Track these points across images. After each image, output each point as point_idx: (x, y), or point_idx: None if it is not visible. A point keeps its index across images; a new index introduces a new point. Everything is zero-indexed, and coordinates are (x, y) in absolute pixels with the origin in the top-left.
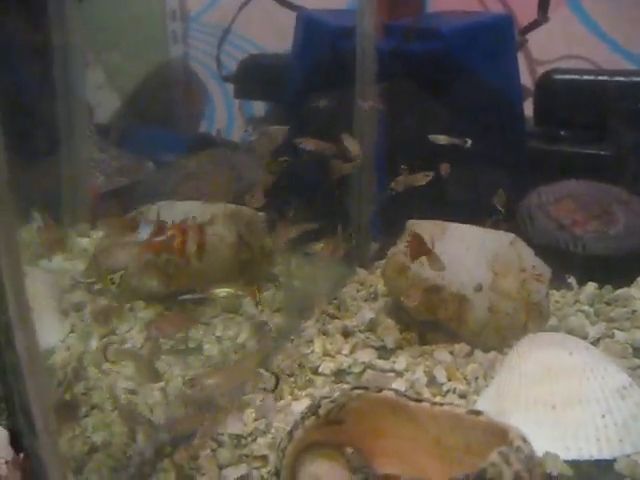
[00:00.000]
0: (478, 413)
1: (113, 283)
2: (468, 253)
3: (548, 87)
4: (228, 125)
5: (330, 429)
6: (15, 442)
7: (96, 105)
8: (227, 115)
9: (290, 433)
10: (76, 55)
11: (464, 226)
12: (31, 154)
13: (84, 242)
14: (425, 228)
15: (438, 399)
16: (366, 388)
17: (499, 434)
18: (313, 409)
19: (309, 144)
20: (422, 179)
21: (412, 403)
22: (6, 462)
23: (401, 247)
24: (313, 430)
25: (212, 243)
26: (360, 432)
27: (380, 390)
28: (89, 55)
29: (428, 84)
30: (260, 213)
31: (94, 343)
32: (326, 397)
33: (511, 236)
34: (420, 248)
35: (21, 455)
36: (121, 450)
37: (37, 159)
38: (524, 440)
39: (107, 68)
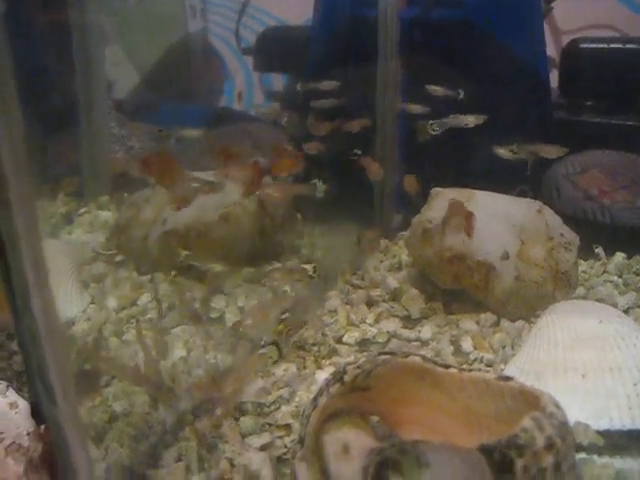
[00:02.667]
0: (508, 379)
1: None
2: (494, 221)
3: (574, 56)
4: (248, 99)
5: (356, 396)
6: (37, 414)
7: (115, 81)
8: (246, 89)
9: (314, 400)
10: (95, 32)
11: (490, 194)
12: (51, 129)
13: (104, 215)
14: (450, 196)
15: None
16: (393, 354)
17: (530, 401)
18: (338, 375)
19: None
20: (556, 152)
21: (440, 369)
22: (28, 433)
23: (426, 215)
24: (338, 397)
25: (234, 212)
26: (386, 399)
27: (407, 356)
28: (108, 31)
29: (451, 53)
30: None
31: (114, 313)
32: (352, 363)
33: (538, 204)
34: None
35: (42, 427)
36: (142, 419)
37: (57, 134)
38: (557, 406)
39: (126, 44)
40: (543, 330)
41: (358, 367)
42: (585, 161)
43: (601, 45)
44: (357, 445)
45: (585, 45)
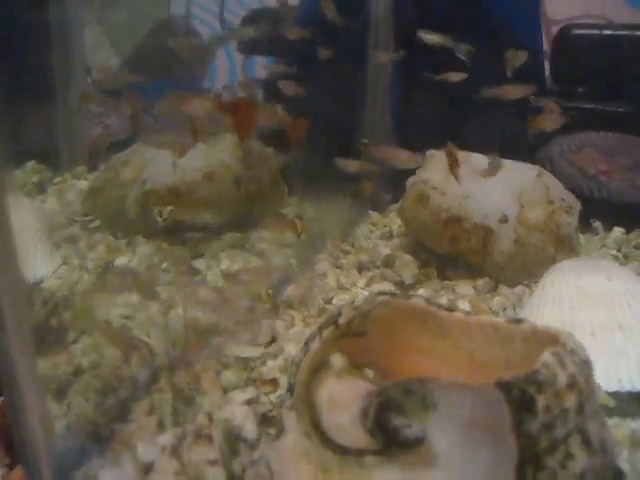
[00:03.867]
0: (520, 321)
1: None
2: (492, 184)
3: (566, 42)
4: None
5: (350, 342)
6: None
7: (95, 64)
8: (229, 73)
9: (306, 345)
10: (74, 13)
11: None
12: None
13: (80, 184)
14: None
15: None
16: (393, 294)
17: (545, 342)
18: (332, 318)
19: None
20: (522, 91)
21: (444, 313)
22: None
23: (421, 176)
24: (332, 342)
25: (218, 172)
26: (384, 347)
27: (408, 297)
28: (88, 13)
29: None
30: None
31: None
32: (348, 304)
33: (537, 168)
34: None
35: (2, 398)
36: (112, 372)
37: (34, 108)
38: (578, 344)
39: (107, 26)
40: (547, 289)
41: (354, 309)
42: (579, 140)
43: (594, 31)
44: (355, 387)
45: (577, 31)
